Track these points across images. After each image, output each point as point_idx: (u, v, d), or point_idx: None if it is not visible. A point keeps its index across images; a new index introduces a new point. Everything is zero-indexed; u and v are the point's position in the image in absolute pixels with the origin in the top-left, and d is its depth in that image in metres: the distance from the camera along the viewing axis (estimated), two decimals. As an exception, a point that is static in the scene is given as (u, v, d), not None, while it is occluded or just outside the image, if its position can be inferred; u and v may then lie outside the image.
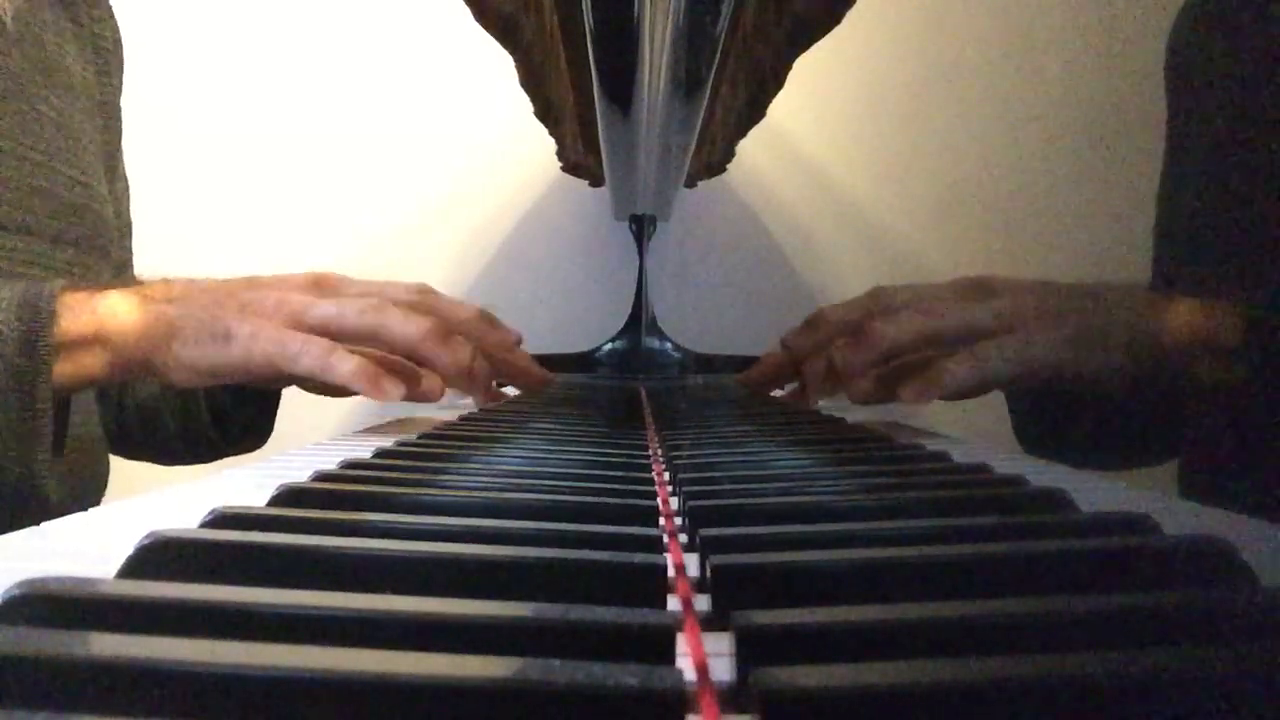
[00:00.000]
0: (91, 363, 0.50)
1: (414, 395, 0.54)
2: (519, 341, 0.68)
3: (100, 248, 0.69)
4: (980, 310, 0.50)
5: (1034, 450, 0.68)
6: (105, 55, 0.75)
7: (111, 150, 0.77)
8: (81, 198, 0.67)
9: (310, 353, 0.50)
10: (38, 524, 0.29)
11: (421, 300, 0.59)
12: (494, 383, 0.71)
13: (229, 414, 0.72)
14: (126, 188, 0.80)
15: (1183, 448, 0.66)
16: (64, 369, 0.49)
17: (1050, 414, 0.65)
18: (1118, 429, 0.63)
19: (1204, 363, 0.49)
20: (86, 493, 0.67)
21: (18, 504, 0.48)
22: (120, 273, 0.79)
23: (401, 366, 0.55)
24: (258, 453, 0.73)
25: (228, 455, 0.73)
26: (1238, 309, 0.49)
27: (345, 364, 0.50)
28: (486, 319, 0.63)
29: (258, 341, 0.50)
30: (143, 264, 0.87)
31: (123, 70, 0.79)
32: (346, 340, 0.53)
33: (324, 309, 0.53)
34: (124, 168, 0.80)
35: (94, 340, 0.49)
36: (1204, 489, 0.61)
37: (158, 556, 0.22)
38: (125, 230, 0.80)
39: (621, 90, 0.66)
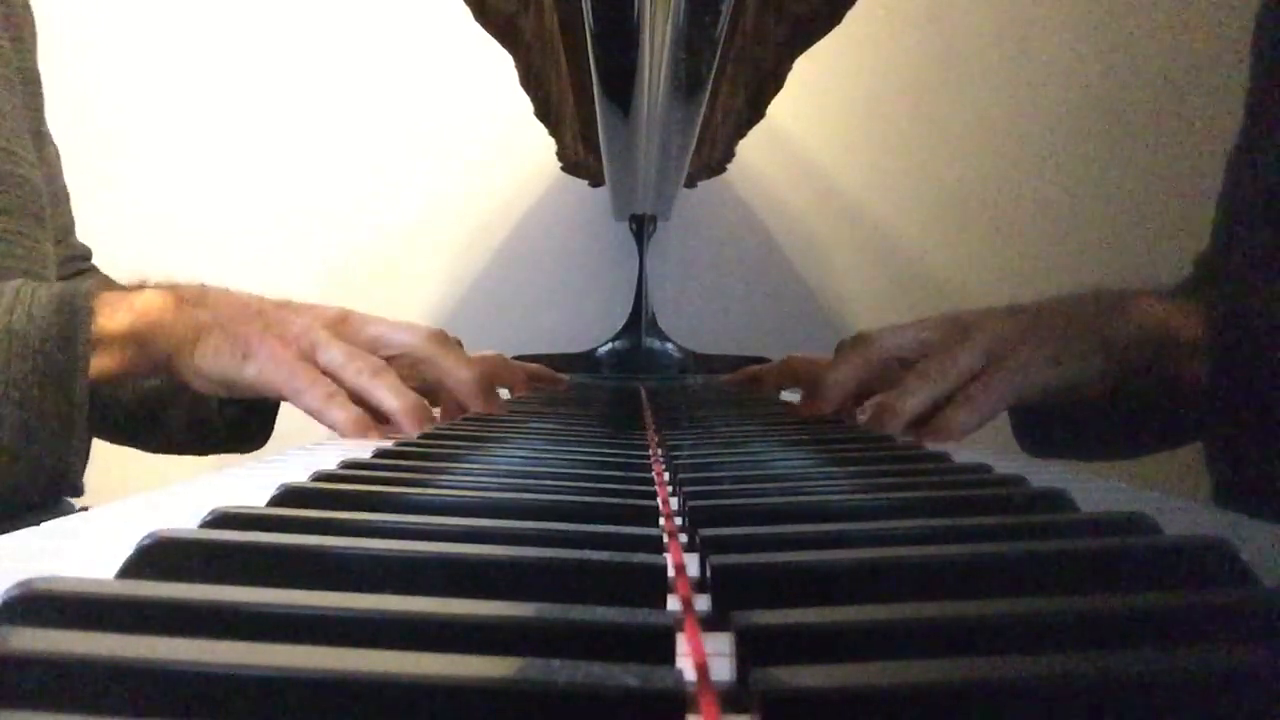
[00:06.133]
0: (123, 358, 0.52)
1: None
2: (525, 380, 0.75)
3: (35, 214, 0.70)
4: (968, 355, 0.53)
5: (1034, 452, 0.68)
6: (16, 23, 0.76)
7: (36, 118, 0.77)
8: (7, 164, 0.67)
9: (313, 394, 0.52)
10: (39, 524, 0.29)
11: (430, 359, 0.60)
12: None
13: (238, 410, 0.72)
14: (57, 155, 0.81)
15: (1205, 437, 0.66)
16: (98, 363, 0.50)
17: (1048, 415, 0.65)
18: (1117, 424, 0.63)
19: (1172, 358, 0.51)
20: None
21: (51, 492, 0.50)
22: (63, 239, 0.79)
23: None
24: (258, 453, 0.73)
25: (228, 451, 0.73)
26: (1198, 306, 0.51)
27: (339, 413, 0.52)
28: (489, 376, 0.65)
29: (271, 365, 0.52)
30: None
31: (36, 36, 0.79)
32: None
33: (332, 355, 0.55)
34: (51, 134, 0.80)
35: (128, 337, 0.51)
36: (1230, 481, 0.61)
37: (158, 556, 0.22)
38: (62, 196, 0.81)
39: (621, 90, 0.66)
